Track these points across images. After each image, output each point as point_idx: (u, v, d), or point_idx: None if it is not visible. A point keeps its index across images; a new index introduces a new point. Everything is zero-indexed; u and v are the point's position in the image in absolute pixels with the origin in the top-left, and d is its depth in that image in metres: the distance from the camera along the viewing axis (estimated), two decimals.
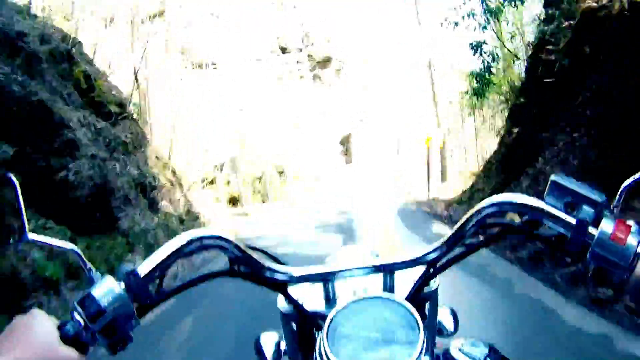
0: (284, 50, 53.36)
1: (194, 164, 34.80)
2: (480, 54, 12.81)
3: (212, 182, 32.10)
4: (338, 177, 47.00)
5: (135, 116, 13.01)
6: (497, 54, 13.40)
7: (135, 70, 14.84)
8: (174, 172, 14.96)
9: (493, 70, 13.74)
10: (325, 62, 55.36)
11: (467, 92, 18.56)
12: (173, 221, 11.13)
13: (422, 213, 16.45)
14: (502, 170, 12.49)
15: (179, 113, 27.26)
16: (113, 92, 10.93)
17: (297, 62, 53.67)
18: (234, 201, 36.15)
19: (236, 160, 25.90)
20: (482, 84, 13.49)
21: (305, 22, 52.85)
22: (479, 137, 25.61)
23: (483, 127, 25.49)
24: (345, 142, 59.33)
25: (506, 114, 16.25)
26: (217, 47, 47.12)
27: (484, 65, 13.01)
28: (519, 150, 10.92)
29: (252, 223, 16.01)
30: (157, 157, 13.19)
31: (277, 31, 51.94)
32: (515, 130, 12.21)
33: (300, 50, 54.24)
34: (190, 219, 12.92)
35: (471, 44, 12.71)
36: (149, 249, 7.28)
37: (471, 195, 14.72)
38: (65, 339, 0.66)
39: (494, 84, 14.88)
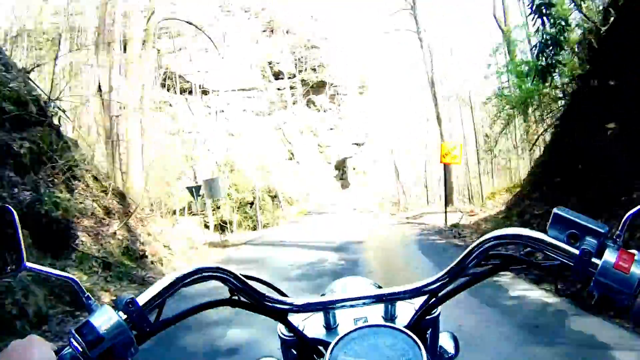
0: None
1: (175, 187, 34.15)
2: (548, 18, 9.77)
3: (189, 208, 31.52)
4: (334, 201, 46.74)
5: (57, 122, 10.59)
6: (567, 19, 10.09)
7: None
8: (121, 197, 13.10)
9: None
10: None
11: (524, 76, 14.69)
12: (92, 266, 8.81)
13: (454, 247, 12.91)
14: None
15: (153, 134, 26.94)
16: (14, 86, 8.76)
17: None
18: (223, 228, 35.52)
19: (215, 183, 23.75)
20: (549, 61, 10.23)
21: None
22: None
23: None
24: (340, 166, 59.13)
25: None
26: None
27: (550, 35, 9.84)
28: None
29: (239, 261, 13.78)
30: (95, 178, 11.67)
31: None
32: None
33: None
34: (130, 260, 10.44)
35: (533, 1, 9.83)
36: None
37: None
38: None
39: (563, 64, 11.06)
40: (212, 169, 41.76)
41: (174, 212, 37.14)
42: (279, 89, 55.74)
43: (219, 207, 38.66)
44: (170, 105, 50.67)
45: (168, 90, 50.02)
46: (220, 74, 50.53)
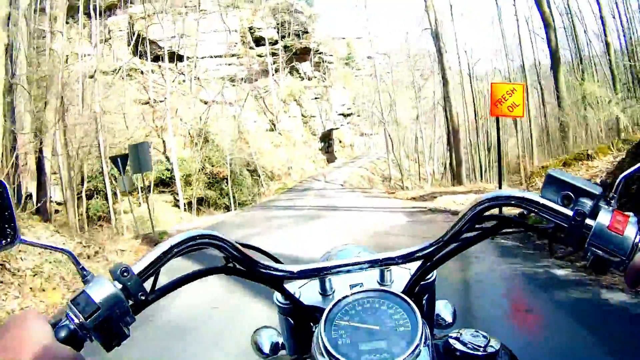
0: None
1: None
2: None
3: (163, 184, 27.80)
4: (320, 176, 43.48)
5: None
6: None
7: None
8: None
9: None
10: None
11: None
12: None
13: None
14: None
15: None
16: None
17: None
18: (194, 205, 31.81)
19: (144, 149, 16.45)
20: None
21: None
22: None
23: None
24: (325, 139, 55.54)
25: None
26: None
27: None
28: None
29: None
30: None
31: None
32: None
33: None
34: None
35: None
36: None
37: None
38: (60, 336, 0.67)
39: None
40: (185, 141, 38.32)
41: (143, 189, 33.63)
42: (260, 56, 51.69)
43: (190, 184, 35.18)
44: (142, 72, 46.73)
45: (140, 57, 46.18)
46: (196, 39, 46.96)
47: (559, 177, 0.76)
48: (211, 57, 49.13)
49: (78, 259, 0.75)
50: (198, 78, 46.70)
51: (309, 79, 55.49)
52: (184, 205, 33.99)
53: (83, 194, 30.93)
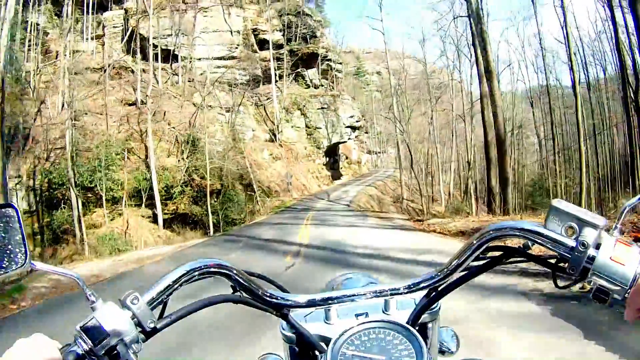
0: None
1: None
2: None
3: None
4: (323, 194, 38.69)
5: None
6: None
7: None
8: None
9: None
10: None
11: None
12: None
13: None
14: None
15: None
16: None
17: None
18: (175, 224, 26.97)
19: None
20: None
21: None
22: None
23: None
24: (331, 153, 50.74)
25: None
26: None
27: None
28: None
29: None
30: None
31: None
32: None
33: None
34: None
35: None
36: None
37: None
38: None
39: None
40: (170, 148, 33.63)
41: (117, 202, 28.93)
42: (263, 60, 47.08)
43: (172, 197, 30.34)
44: (133, 72, 42.18)
45: (133, 55, 41.79)
46: (194, 38, 42.76)
47: (562, 209, 0.76)
48: (209, 58, 44.72)
49: (86, 285, 0.76)
50: (192, 80, 42.14)
51: (316, 87, 50.83)
52: (163, 223, 29.14)
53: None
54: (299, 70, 49.66)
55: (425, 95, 43.73)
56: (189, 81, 42.11)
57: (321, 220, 21.28)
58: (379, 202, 36.97)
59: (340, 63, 58.24)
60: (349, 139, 52.94)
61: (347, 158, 63.75)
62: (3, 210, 0.78)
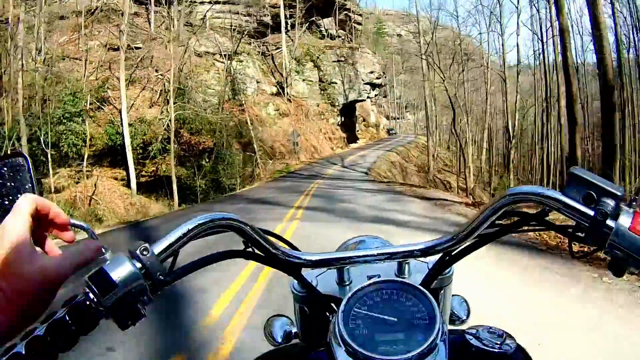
0: None
1: None
2: None
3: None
4: (336, 158, 33.31)
5: None
6: None
7: None
8: None
9: None
10: None
11: None
12: None
13: None
14: None
15: None
16: None
17: None
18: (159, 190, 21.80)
19: None
20: None
21: None
22: None
23: None
24: (348, 112, 45.05)
25: None
26: None
27: None
28: None
29: None
30: None
31: None
32: None
33: None
34: None
35: None
36: None
37: None
38: (76, 313, 0.67)
39: None
40: (153, 97, 28.26)
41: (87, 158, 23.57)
42: (272, 7, 41.27)
43: (152, 157, 24.97)
44: (122, 14, 36.58)
45: None
46: None
47: (582, 176, 0.75)
48: (212, 2, 39.14)
49: (96, 236, 0.75)
50: (191, 24, 36.62)
51: (332, 37, 44.89)
52: (138, 187, 23.82)
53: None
54: (313, 18, 43.71)
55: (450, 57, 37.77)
56: (186, 25, 36.63)
57: (327, 198, 14.34)
58: (402, 171, 31.48)
59: (360, 14, 52.07)
60: (368, 97, 47.04)
61: (364, 120, 58.07)
62: (14, 159, 0.77)
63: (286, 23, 41.48)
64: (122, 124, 23.34)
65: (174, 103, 25.66)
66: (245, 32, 38.09)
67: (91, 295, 0.66)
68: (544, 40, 31.48)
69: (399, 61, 79.30)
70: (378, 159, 31.25)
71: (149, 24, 35.66)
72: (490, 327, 0.86)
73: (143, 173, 25.04)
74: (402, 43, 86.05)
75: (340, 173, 24.26)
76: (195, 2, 39.26)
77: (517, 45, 33.78)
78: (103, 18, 33.98)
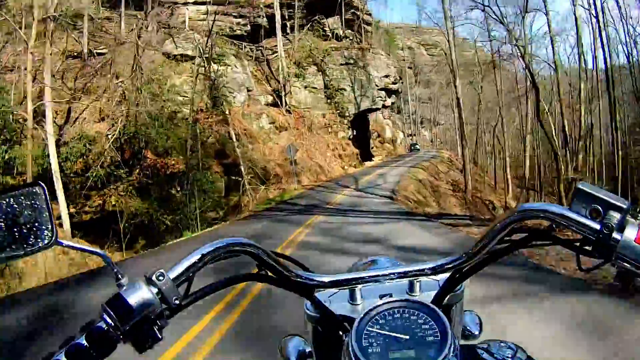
0: None
1: None
2: None
3: None
4: (349, 180, 26.71)
5: None
6: None
7: None
8: None
9: None
10: None
11: None
12: None
13: None
14: None
15: None
16: None
17: None
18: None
19: None
20: None
21: None
22: None
23: None
24: (360, 125, 38.50)
25: None
26: None
27: None
28: None
29: None
30: None
31: None
32: None
33: None
34: None
35: None
36: None
37: None
38: (94, 337, 0.70)
39: None
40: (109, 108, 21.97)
41: None
42: (268, 7, 35.33)
43: (98, 186, 18.32)
44: (92, 19, 31.30)
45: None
46: None
47: (588, 191, 0.75)
48: (197, 2, 33.30)
49: (113, 263, 0.76)
50: (169, 26, 30.81)
51: (338, 38, 38.49)
52: (77, 227, 17.26)
53: None
54: (316, 17, 37.47)
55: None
56: (164, 27, 30.88)
57: (325, 253, 8.46)
58: (434, 191, 24.72)
59: (370, 14, 45.76)
60: (384, 106, 40.35)
61: (379, 136, 51.46)
62: (31, 188, 0.78)
63: (284, 25, 35.35)
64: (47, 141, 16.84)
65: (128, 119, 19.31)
66: (233, 33, 32.25)
67: (109, 320, 0.69)
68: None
69: (412, 74, 74.23)
70: (402, 178, 24.49)
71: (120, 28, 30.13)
72: (502, 341, 0.88)
73: (87, 209, 18.55)
74: (413, 55, 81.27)
75: (353, 199, 17.66)
76: (177, 3, 33.46)
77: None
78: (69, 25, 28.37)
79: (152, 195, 19.87)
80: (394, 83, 40.16)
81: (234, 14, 34.58)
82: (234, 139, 23.10)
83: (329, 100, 35.13)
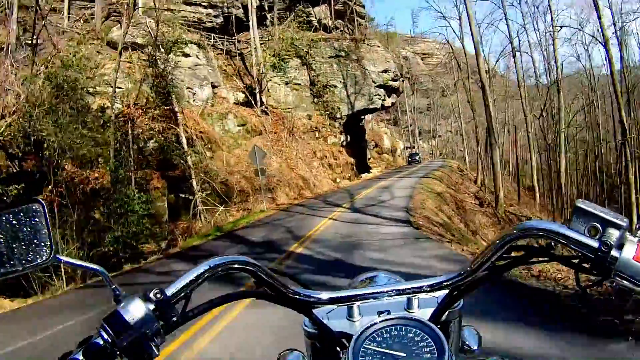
0: None
1: None
2: None
3: None
4: (341, 199, 20.75)
5: None
6: None
7: None
8: None
9: None
10: None
11: None
12: None
13: None
14: None
15: None
16: None
17: None
18: None
19: None
20: None
21: None
22: None
23: None
24: (354, 131, 32.26)
25: None
26: None
27: None
28: None
29: None
30: None
31: None
32: None
33: None
34: None
35: None
36: None
37: None
38: (91, 353, 0.70)
39: None
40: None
41: None
42: None
43: None
44: (27, 8, 25.22)
45: None
46: None
47: (586, 209, 0.76)
48: None
49: (111, 279, 0.77)
50: (119, 13, 25.30)
51: (327, 29, 32.57)
52: None
53: None
54: (301, 6, 31.70)
55: None
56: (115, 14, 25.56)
57: None
58: (458, 207, 18.57)
59: (362, 5, 40.02)
60: (383, 107, 34.20)
61: (376, 146, 45.55)
62: (31, 205, 0.79)
63: (263, 17, 29.62)
64: None
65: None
66: (203, 26, 26.57)
67: (106, 336, 0.69)
68: None
69: (408, 85, 69.61)
70: (414, 192, 18.22)
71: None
72: (501, 356, 0.87)
73: None
74: (409, 65, 76.97)
75: (347, 227, 11.52)
76: None
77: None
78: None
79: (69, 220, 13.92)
80: (394, 80, 33.97)
81: (203, 3, 28.92)
82: (184, 145, 17.03)
83: (316, 99, 29.12)
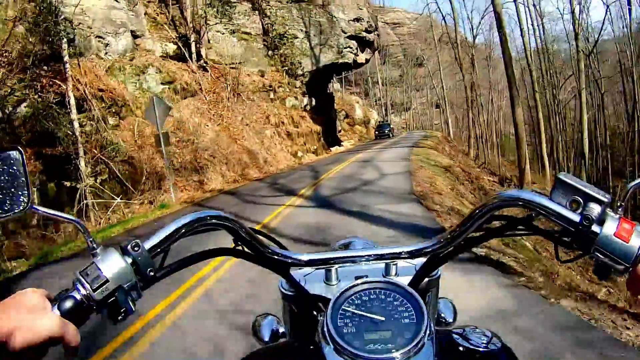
0: None
1: None
2: None
3: None
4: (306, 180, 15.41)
5: None
6: None
7: None
8: None
9: None
10: None
11: None
12: None
13: None
14: None
15: None
16: None
17: None
18: None
19: None
20: None
21: None
22: None
23: None
24: (320, 95, 26.84)
25: None
26: None
27: None
28: None
29: None
30: None
31: None
32: None
33: None
34: None
35: None
36: None
37: None
38: (66, 307, 0.68)
39: None
40: None
41: None
42: None
43: None
44: None
45: None
46: None
47: (568, 182, 0.76)
48: None
49: (88, 230, 0.74)
50: None
51: None
52: None
53: None
54: None
55: None
56: None
57: None
58: (475, 187, 13.44)
59: None
60: (356, 62, 28.55)
61: (347, 116, 40.16)
62: (9, 153, 0.77)
63: None
64: None
65: None
66: None
67: (82, 290, 0.68)
68: None
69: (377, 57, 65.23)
70: (411, 166, 12.89)
71: None
72: (477, 328, 0.87)
73: None
74: (380, 36, 72.41)
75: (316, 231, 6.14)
76: None
77: None
78: None
79: None
80: (367, 31, 28.31)
81: None
82: (73, 109, 11.42)
83: (270, 52, 23.46)
